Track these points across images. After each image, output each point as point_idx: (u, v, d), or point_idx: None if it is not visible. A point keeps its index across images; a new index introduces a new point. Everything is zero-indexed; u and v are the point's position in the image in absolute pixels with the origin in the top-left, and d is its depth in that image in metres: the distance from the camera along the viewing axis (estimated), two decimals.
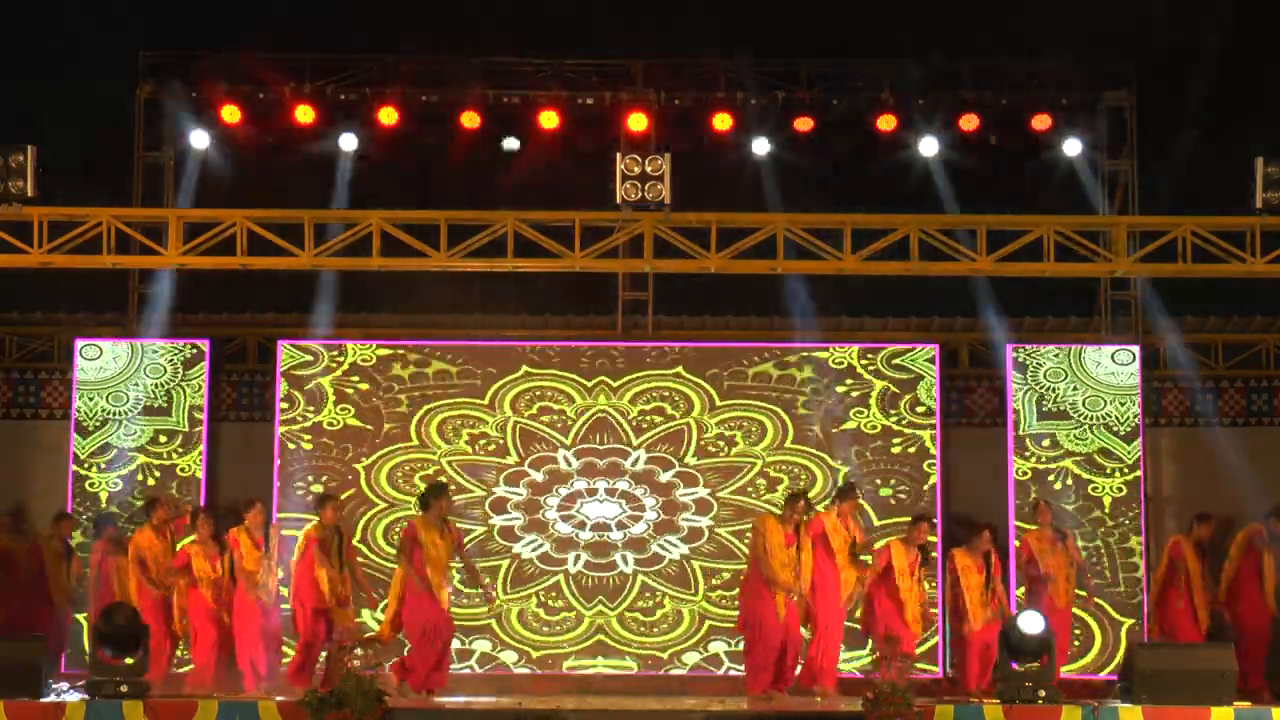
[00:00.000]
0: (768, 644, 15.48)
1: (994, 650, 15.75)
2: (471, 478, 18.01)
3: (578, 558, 17.98)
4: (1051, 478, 18.02)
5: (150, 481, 17.89)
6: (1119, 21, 18.48)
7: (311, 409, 18.05)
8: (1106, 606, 17.74)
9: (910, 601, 15.74)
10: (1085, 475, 18.02)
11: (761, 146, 18.49)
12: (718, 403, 18.11)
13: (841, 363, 18.19)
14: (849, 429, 18.09)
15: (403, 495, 17.80)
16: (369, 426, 18.08)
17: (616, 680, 17.59)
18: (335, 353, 18.15)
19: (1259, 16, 18.63)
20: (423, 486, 16.27)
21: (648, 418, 18.11)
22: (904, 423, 18.11)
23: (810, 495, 16.34)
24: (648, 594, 17.92)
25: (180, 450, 18.00)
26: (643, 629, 17.89)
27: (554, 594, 17.93)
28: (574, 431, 18.10)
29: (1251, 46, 18.69)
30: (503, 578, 17.90)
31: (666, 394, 18.15)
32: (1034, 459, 18.04)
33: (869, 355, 18.22)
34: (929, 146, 18.42)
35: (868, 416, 18.13)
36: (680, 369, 18.15)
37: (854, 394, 18.16)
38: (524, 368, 18.15)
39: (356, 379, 18.13)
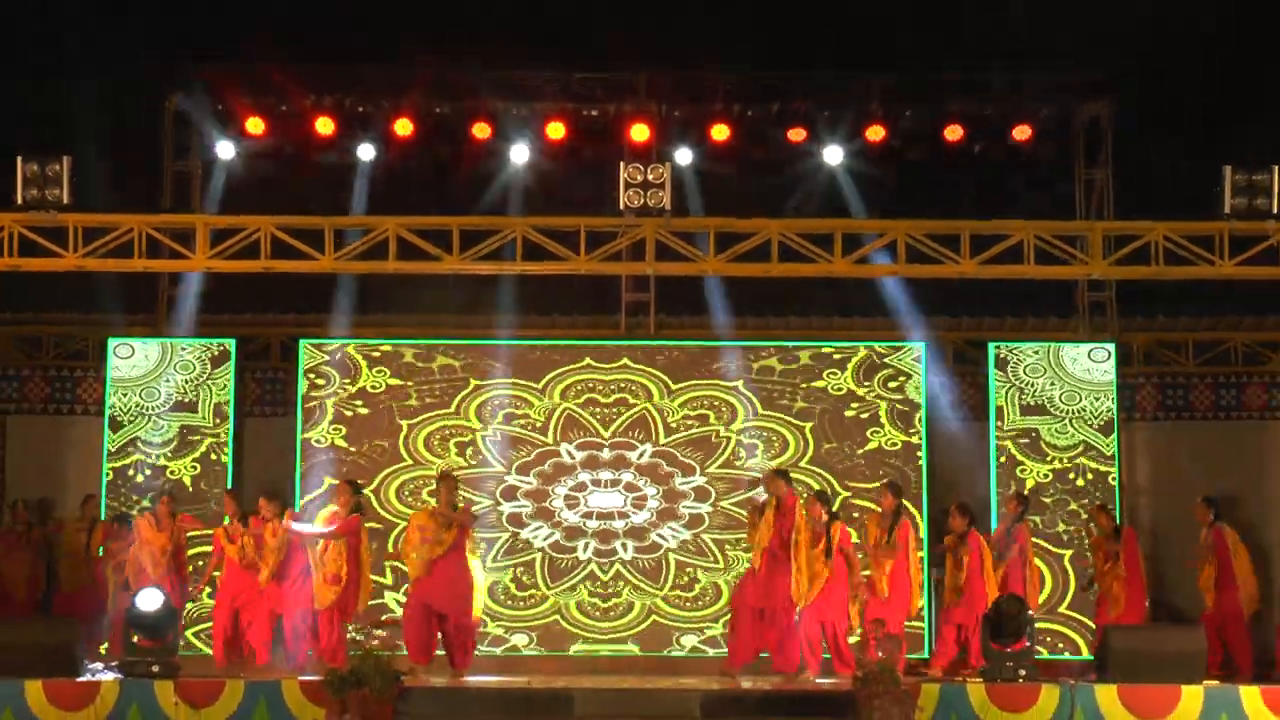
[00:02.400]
0: (734, 622, 15.79)
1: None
2: (483, 466, 18.15)
3: (587, 545, 18.08)
4: (1031, 469, 18.14)
5: (181, 474, 18.06)
6: (1097, 37, 18.58)
7: (331, 404, 18.17)
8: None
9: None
10: (1063, 466, 18.14)
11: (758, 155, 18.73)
12: (673, 387, 18.24)
13: (834, 359, 18.31)
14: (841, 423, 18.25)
15: (407, 505, 17.91)
16: (384, 422, 18.19)
17: (620, 662, 17.67)
18: (352, 349, 18.25)
19: (1228, 36, 18.74)
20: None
21: (649, 411, 18.25)
22: (893, 417, 18.22)
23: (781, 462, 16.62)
24: (648, 580, 18.04)
25: (207, 444, 18.12)
26: (643, 609, 18.00)
27: (561, 580, 18.06)
28: (582, 421, 18.22)
29: (1221, 63, 18.81)
30: (511, 563, 18.07)
31: (669, 390, 18.30)
32: (1015, 452, 18.15)
33: (860, 352, 18.32)
34: (915, 155, 18.57)
35: (859, 410, 18.23)
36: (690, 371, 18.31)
37: (845, 390, 18.27)
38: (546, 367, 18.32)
39: (373, 376, 18.24)
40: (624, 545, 18.08)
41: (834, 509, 16.08)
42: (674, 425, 18.20)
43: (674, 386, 18.26)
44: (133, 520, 16.98)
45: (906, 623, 16.18)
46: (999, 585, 16.02)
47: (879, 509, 16.22)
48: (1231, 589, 16.51)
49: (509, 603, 17.94)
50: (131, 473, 17.99)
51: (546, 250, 16.60)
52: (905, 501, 16.66)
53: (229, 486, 17.62)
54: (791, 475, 16.21)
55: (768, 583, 15.53)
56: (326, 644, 15.59)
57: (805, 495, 16.17)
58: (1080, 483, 18.05)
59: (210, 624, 16.85)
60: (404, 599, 16.34)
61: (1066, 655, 17.50)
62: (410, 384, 18.24)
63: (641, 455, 18.17)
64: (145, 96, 18.52)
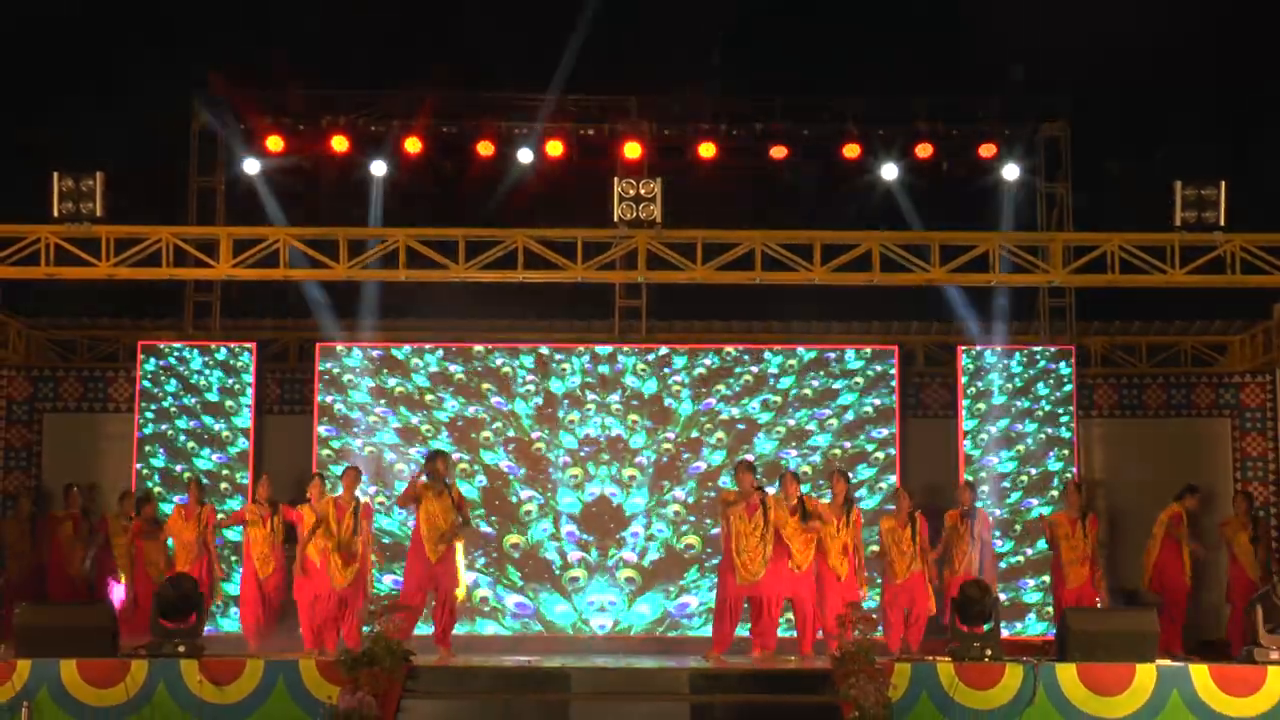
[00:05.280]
0: (720, 610, 15.71)
1: (918, 604, 16.01)
2: (482, 467, 18.13)
3: (570, 530, 18.04)
4: (996, 463, 18.11)
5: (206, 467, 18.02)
6: (1056, 61, 18.63)
7: (345, 403, 18.14)
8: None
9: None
10: (1025, 461, 18.11)
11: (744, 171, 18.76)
12: (701, 395, 18.25)
13: (814, 361, 18.29)
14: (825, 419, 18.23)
15: None
16: (395, 418, 18.16)
17: (616, 641, 17.65)
18: (366, 353, 18.23)
19: (1179, 62, 18.77)
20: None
21: (642, 409, 18.23)
22: (868, 415, 18.20)
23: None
24: (647, 561, 18.02)
25: (232, 439, 18.07)
26: (641, 593, 17.97)
27: (557, 564, 18.03)
28: (578, 418, 18.19)
29: (1172, 86, 18.87)
30: (510, 548, 18.04)
31: (659, 388, 18.28)
32: (981, 446, 18.13)
33: (838, 355, 18.31)
34: (889, 172, 18.58)
35: (837, 409, 18.22)
36: (680, 372, 18.28)
37: (825, 389, 18.24)
38: (530, 364, 18.30)
39: (385, 375, 18.21)
40: (631, 533, 18.05)
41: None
42: (666, 422, 18.20)
43: (664, 385, 18.26)
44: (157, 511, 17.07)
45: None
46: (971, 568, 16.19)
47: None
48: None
49: (513, 587, 17.93)
50: (161, 466, 17.98)
51: (546, 259, 16.60)
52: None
53: (256, 477, 17.59)
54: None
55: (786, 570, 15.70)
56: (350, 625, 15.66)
57: (782, 474, 16.28)
58: (1040, 475, 18.08)
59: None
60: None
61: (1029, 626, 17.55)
62: (419, 384, 18.20)
63: (630, 448, 18.18)
64: (173, 116, 18.53)
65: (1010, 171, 18.49)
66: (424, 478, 15.63)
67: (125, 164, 16.94)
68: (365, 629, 13.57)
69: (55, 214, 16.14)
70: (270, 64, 18.43)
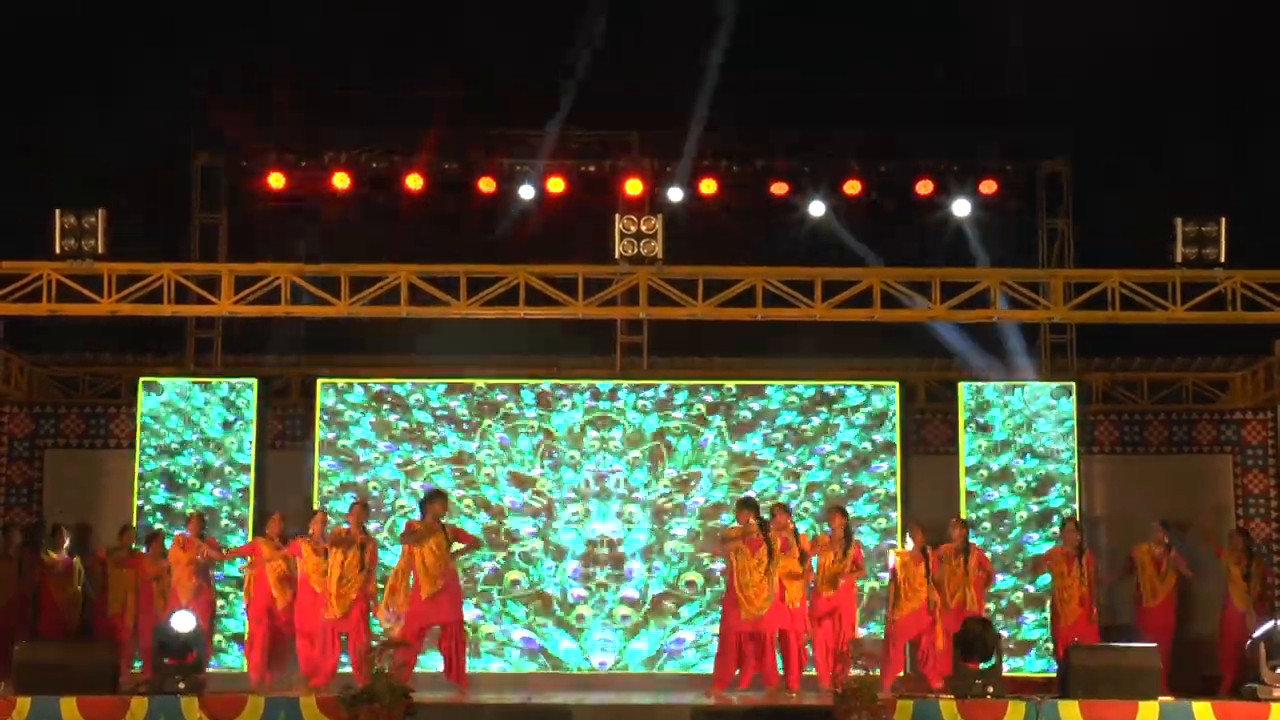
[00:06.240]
0: (724, 646, 15.65)
1: (926, 639, 15.95)
2: (484, 503, 18.10)
3: (574, 566, 18.02)
4: (997, 498, 18.08)
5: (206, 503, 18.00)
6: (1056, 61, 18.61)
7: (346, 439, 18.13)
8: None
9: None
10: (1026, 498, 18.09)
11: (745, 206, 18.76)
12: (710, 436, 18.23)
13: (815, 398, 18.29)
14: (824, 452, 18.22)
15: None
16: (396, 453, 18.15)
17: (618, 678, 17.59)
18: (367, 388, 18.22)
19: (1175, 60, 18.76)
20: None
21: (643, 445, 18.21)
22: (869, 451, 18.18)
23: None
24: (648, 598, 17.97)
25: (233, 475, 18.05)
26: (641, 629, 17.91)
27: (558, 600, 17.98)
28: (580, 455, 18.17)
29: (1170, 86, 18.86)
30: (510, 586, 18.00)
31: (660, 424, 18.26)
32: (982, 482, 18.11)
33: (839, 391, 18.30)
34: (889, 207, 18.62)
35: (838, 445, 18.20)
36: (681, 408, 18.27)
37: (827, 425, 18.22)
38: (531, 402, 18.28)
39: (386, 411, 18.20)
40: (630, 569, 18.01)
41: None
42: (669, 457, 18.18)
43: (665, 421, 18.26)
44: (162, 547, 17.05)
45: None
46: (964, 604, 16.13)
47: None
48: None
49: (509, 623, 17.89)
50: (162, 502, 17.95)
51: (547, 296, 16.60)
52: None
53: (257, 512, 17.68)
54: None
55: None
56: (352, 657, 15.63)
57: (770, 506, 16.29)
58: (1042, 512, 18.05)
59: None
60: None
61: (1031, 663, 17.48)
62: (420, 420, 18.19)
63: (621, 482, 18.14)
64: (174, 152, 18.56)
65: (1014, 208, 18.56)
66: (420, 517, 15.64)
67: (128, 201, 16.93)
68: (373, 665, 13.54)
69: (57, 251, 16.13)
70: (270, 78, 18.39)
